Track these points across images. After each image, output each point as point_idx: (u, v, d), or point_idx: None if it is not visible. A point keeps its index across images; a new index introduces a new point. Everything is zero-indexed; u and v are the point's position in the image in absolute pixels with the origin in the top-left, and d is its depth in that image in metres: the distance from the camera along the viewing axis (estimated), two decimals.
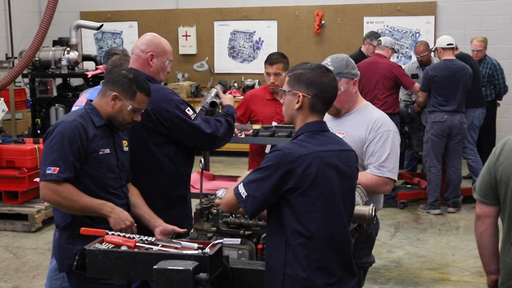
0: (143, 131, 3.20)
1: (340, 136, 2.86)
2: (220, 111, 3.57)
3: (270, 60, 4.63)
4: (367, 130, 3.13)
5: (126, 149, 3.04)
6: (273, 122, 4.57)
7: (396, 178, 3.14)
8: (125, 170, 3.04)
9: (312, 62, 2.56)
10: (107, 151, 2.89)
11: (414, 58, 7.85)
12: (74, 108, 4.10)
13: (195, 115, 3.29)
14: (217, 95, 3.60)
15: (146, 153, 3.24)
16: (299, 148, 2.35)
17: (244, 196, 2.34)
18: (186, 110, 3.25)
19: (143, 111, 2.97)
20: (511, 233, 2.52)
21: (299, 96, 2.42)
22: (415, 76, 7.44)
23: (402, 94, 7.45)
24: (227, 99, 3.61)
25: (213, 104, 3.52)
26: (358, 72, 3.25)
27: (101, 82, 4.12)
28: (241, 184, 2.37)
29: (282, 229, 2.37)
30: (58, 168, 2.73)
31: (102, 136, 2.88)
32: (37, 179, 4.48)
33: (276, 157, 2.34)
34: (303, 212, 2.33)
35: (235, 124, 4.61)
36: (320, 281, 2.36)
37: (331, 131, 2.57)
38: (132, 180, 3.16)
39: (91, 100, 2.98)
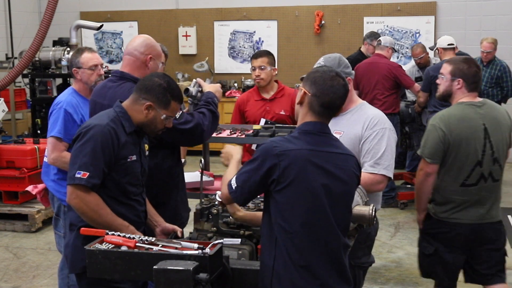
0: None
1: (337, 136, 2.85)
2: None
3: (255, 55, 4.74)
4: (363, 127, 3.14)
5: (147, 153, 3.01)
6: (262, 119, 4.61)
7: (391, 176, 3.15)
8: (145, 175, 2.99)
9: (330, 67, 2.61)
10: (134, 158, 2.83)
11: (412, 62, 7.85)
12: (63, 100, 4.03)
13: (181, 112, 3.17)
14: (198, 85, 3.48)
15: None
16: (286, 143, 2.39)
17: (234, 187, 2.45)
18: None
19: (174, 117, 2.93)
20: (458, 178, 3.45)
21: (302, 91, 2.48)
22: (419, 79, 7.42)
23: (412, 96, 7.45)
24: (209, 87, 3.48)
25: (185, 90, 3.47)
26: (352, 72, 3.26)
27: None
28: (235, 176, 2.47)
29: (271, 225, 2.40)
30: (88, 173, 2.67)
31: (131, 143, 2.83)
32: (29, 188, 4.45)
33: (263, 150, 2.41)
34: (286, 209, 2.36)
35: (236, 124, 4.66)
36: (305, 281, 2.37)
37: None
38: None
39: (121, 101, 2.90)
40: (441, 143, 3.42)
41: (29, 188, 4.45)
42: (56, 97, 7.60)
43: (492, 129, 3.45)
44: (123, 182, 2.81)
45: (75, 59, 4.04)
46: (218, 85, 3.57)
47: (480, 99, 3.54)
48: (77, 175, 2.68)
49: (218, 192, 2.87)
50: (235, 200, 2.49)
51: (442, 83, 3.57)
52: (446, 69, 3.55)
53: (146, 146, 3.00)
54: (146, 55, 3.26)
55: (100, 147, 2.70)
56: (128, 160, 2.80)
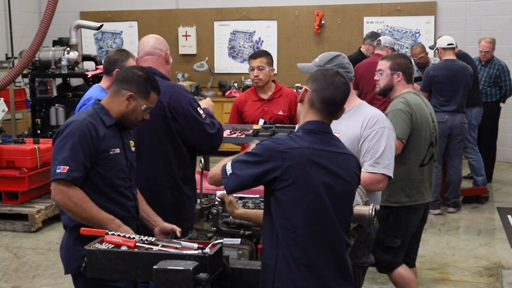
0: (157, 123, 3.24)
1: (336, 135, 2.85)
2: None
3: (254, 55, 4.76)
4: (362, 127, 3.13)
5: (133, 149, 3.03)
6: (260, 120, 4.61)
7: (391, 175, 3.14)
8: (133, 170, 3.02)
9: (332, 68, 2.63)
10: (117, 150, 2.86)
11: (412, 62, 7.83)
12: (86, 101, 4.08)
13: (205, 115, 3.33)
14: None
15: (157, 144, 3.28)
16: (290, 141, 2.39)
17: (228, 173, 2.40)
18: (198, 109, 3.32)
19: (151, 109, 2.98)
20: (418, 159, 3.75)
21: (304, 89, 2.49)
22: (418, 79, 7.42)
23: None
24: (203, 103, 3.60)
25: None
26: (350, 72, 3.23)
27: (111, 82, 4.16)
28: (230, 162, 2.43)
29: (273, 224, 2.39)
30: (67, 167, 2.69)
31: (112, 136, 2.85)
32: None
33: (267, 146, 2.39)
34: (289, 207, 2.36)
35: (236, 124, 4.68)
36: (307, 280, 2.36)
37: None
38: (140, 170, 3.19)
39: (99, 100, 2.95)
40: (410, 123, 3.72)
41: None
42: (57, 96, 7.67)
43: (432, 115, 3.91)
44: (110, 176, 2.83)
45: (121, 61, 4.04)
46: (208, 99, 3.73)
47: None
48: (58, 170, 2.70)
49: (218, 193, 2.88)
50: (225, 186, 2.43)
51: (382, 79, 3.85)
52: (384, 65, 3.84)
53: (132, 143, 3.03)
54: (165, 52, 3.44)
55: (78, 141, 2.73)
56: (111, 153, 2.83)
